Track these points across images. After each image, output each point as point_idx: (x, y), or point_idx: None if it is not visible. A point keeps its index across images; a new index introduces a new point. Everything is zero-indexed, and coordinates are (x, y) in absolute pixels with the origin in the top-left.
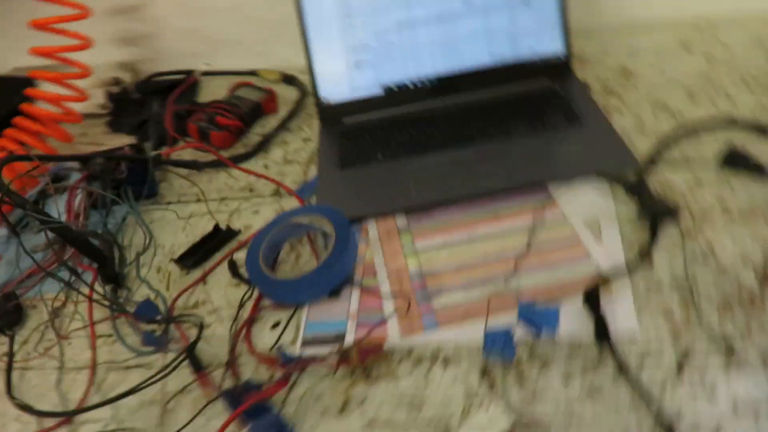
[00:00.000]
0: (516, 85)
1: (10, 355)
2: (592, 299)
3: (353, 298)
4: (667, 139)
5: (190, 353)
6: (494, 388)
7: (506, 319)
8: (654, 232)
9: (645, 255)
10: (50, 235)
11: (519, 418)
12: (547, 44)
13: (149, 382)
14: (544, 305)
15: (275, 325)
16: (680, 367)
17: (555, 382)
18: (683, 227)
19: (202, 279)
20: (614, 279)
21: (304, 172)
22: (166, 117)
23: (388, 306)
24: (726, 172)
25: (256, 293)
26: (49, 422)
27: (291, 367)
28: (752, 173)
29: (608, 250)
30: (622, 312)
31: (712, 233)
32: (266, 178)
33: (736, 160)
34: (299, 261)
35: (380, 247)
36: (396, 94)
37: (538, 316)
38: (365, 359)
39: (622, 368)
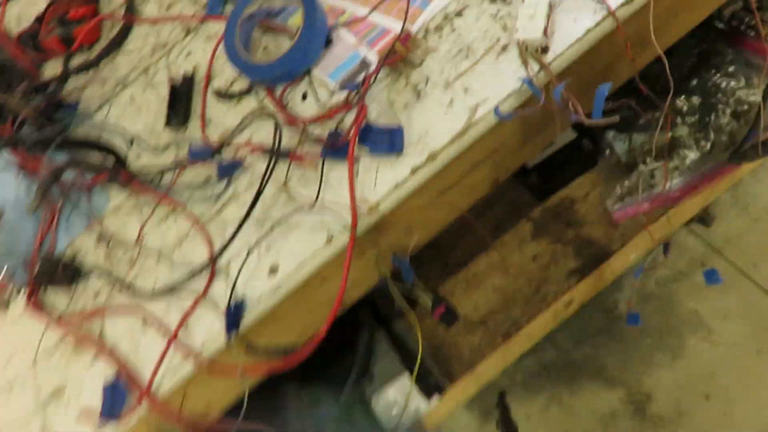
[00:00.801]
0: None
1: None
2: None
3: (345, 35)
4: None
5: (270, 150)
6: None
7: None
8: None
9: None
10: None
11: None
12: None
13: (259, 192)
14: None
15: (304, 97)
16: None
17: None
18: None
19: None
20: None
21: (195, 0)
22: (15, 57)
23: (379, 17)
24: None
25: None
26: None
27: (358, 90)
28: None
29: None
30: None
31: None
32: (168, 19)
33: None
34: (269, 45)
35: None
36: None
37: None
38: (407, 45)
39: None
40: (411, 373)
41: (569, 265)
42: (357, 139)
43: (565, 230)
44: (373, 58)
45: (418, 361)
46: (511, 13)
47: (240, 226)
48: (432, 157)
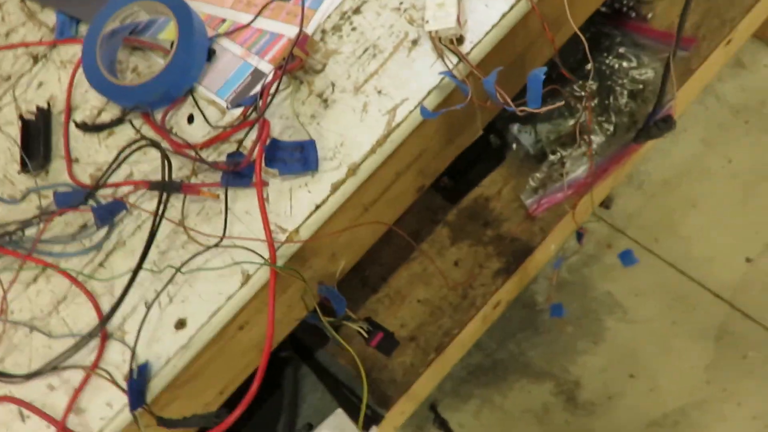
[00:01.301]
0: None
1: None
2: None
3: (229, 46)
4: None
5: (158, 184)
6: None
7: None
8: None
9: None
10: None
11: None
12: None
13: (152, 236)
14: None
15: (190, 120)
16: None
17: None
18: None
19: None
20: None
21: (41, 24)
22: None
23: (265, 23)
24: None
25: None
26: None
27: (256, 104)
28: None
29: None
30: None
31: None
32: (9, 48)
33: None
34: (139, 65)
35: (197, 2)
36: None
37: None
38: (305, 49)
39: None
40: (343, 406)
41: (493, 266)
42: (263, 160)
43: (484, 230)
44: (267, 67)
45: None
46: (415, 5)
47: (132, 278)
48: (353, 169)
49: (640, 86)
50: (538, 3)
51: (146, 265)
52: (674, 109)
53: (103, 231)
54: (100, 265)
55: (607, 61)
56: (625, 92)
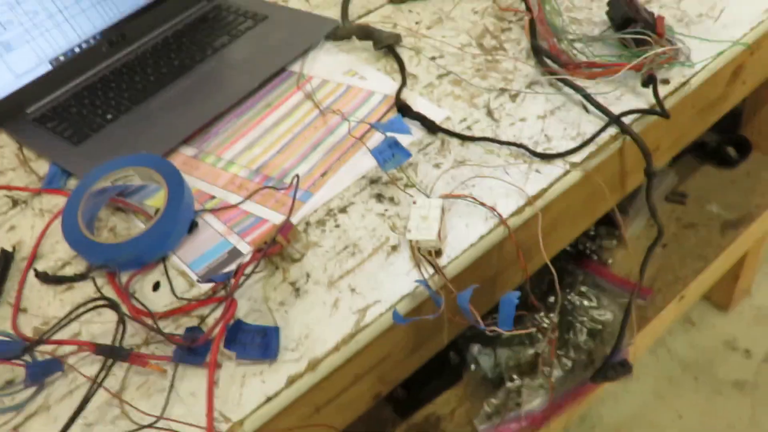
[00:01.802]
0: (182, 11)
1: None
2: (404, 110)
3: (212, 222)
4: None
5: (105, 348)
6: (406, 188)
7: (361, 155)
8: (396, 55)
9: (403, 71)
10: None
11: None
12: None
13: (83, 405)
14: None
15: (156, 287)
16: (489, 113)
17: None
18: (410, 43)
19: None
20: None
21: (32, 172)
22: None
23: (253, 207)
24: (396, 2)
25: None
26: None
27: (227, 282)
28: None
29: (379, 82)
30: (428, 108)
31: (430, 37)
32: None
33: None
34: (117, 226)
35: (193, 175)
36: (70, 63)
37: (393, 125)
38: (287, 237)
39: (463, 137)
40: None
41: None
42: (223, 340)
43: None
44: (246, 248)
45: None
46: (399, 214)
47: None
48: (312, 365)
49: (599, 326)
50: (515, 231)
51: None
52: (630, 354)
53: (31, 390)
54: (14, 429)
55: (570, 298)
56: (585, 330)
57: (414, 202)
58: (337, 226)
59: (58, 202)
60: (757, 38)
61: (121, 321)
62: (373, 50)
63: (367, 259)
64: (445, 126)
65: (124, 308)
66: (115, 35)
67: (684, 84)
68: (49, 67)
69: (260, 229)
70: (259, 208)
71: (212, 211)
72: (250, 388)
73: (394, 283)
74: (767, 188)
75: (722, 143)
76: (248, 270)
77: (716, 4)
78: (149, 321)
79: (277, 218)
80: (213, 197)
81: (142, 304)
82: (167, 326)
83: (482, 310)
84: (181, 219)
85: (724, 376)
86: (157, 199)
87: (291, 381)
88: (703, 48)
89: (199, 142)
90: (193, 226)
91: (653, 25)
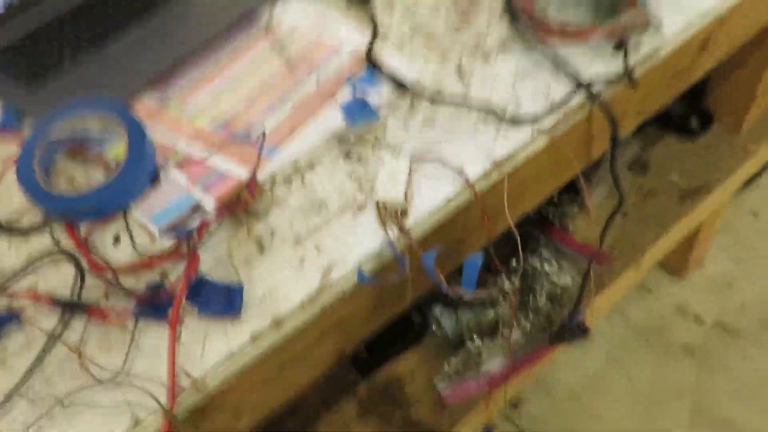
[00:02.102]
0: None
1: None
2: (374, 66)
3: (176, 175)
4: None
5: (63, 302)
6: (374, 147)
7: (330, 111)
8: (368, 7)
9: (375, 25)
10: None
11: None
12: None
13: (40, 358)
14: (356, 77)
15: (116, 240)
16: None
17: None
18: None
19: None
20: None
21: None
22: None
23: (218, 161)
24: None
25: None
26: None
27: (191, 238)
28: None
29: (350, 34)
30: (399, 65)
31: None
32: None
33: None
34: (77, 175)
35: (156, 126)
36: (25, 1)
37: (363, 82)
38: (253, 193)
39: (435, 99)
40: None
41: None
42: (185, 295)
43: (393, 411)
44: (209, 203)
45: None
46: (366, 174)
47: (3, 402)
48: (277, 323)
49: (559, 291)
50: (481, 195)
51: (23, 390)
52: (587, 318)
53: None
54: None
55: (531, 262)
56: (545, 294)
57: (382, 162)
58: (304, 184)
59: (12, 149)
60: (727, 10)
61: (80, 274)
62: (346, 0)
63: (334, 218)
64: (415, 85)
65: (83, 261)
66: None
67: (654, 52)
68: (1, 9)
69: (225, 183)
70: (224, 162)
71: (176, 164)
72: (213, 344)
73: (360, 243)
74: (726, 161)
75: (685, 114)
76: (212, 226)
77: None
78: (109, 275)
79: (243, 173)
80: (176, 150)
81: (102, 258)
82: (128, 281)
83: (446, 272)
84: (142, 171)
85: (674, 341)
86: (117, 149)
87: (254, 338)
88: (674, 17)
89: (162, 91)
90: (155, 179)
91: None
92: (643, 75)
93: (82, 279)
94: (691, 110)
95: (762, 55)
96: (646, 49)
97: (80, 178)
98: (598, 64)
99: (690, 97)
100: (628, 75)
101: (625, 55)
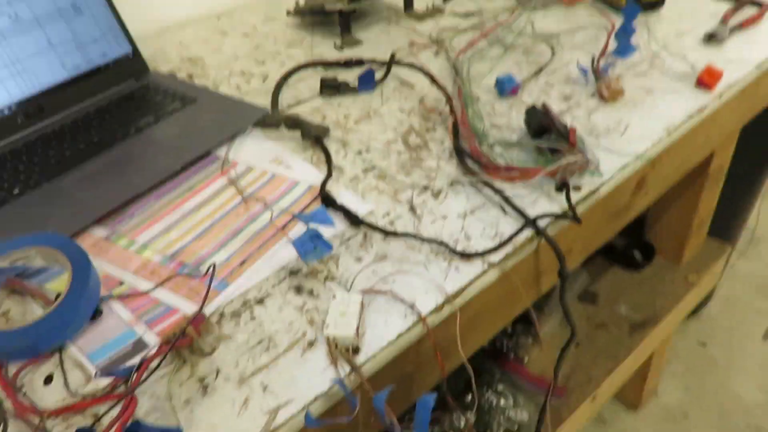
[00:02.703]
0: (107, 88)
1: None
2: (328, 202)
3: (119, 309)
4: (277, 87)
5: None
6: (326, 281)
7: (282, 245)
8: (323, 147)
9: (329, 163)
10: None
11: (366, 285)
12: (116, 48)
13: None
14: (310, 212)
15: (48, 380)
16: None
17: (351, 259)
18: (338, 136)
19: None
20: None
21: None
22: None
23: (164, 294)
24: (327, 95)
25: None
26: None
27: (129, 378)
28: (344, 92)
29: (305, 172)
30: (352, 200)
31: (358, 131)
32: None
33: (329, 86)
34: (12, 309)
35: (103, 258)
36: None
37: (316, 217)
38: (199, 328)
39: (387, 233)
40: None
41: None
42: None
43: None
44: (152, 340)
45: None
46: (318, 307)
47: None
48: None
49: (516, 427)
50: (433, 329)
51: None
52: None
53: None
54: None
55: (487, 396)
56: (502, 430)
57: (333, 297)
58: (253, 318)
59: None
60: (658, 154)
61: (3, 420)
62: (301, 140)
63: (282, 355)
64: (368, 220)
65: (9, 404)
66: (32, 107)
67: (594, 192)
68: None
69: (170, 318)
70: (170, 296)
71: (120, 297)
72: None
73: (309, 382)
74: (670, 291)
75: (629, 247)
76: (153, 364)
77: (622, 120)
78: (36, 420)
79: (190, 308)
80: (122, 283)
81: (30, 400)
82: (56, 425)
83: (399, 410)
84: (83, 305)
85: None
86: (59, 283)
87: None
88: (610, 159)
89: (112, 223)
90: (96, 314)
91: (566, 135)
92: (585, 212)
93: (5, 425)
94: (634, 243)
95: (694, 192)
96: (586, 188)
97: (15, 312)
98: (543, 202)
99: (632, 231)
100: (571, 212)
101: (568, 194)
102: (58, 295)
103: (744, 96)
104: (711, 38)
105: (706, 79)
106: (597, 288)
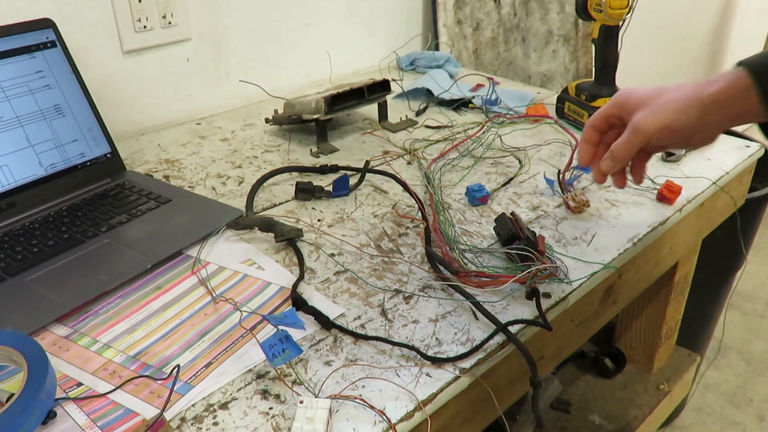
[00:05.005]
0: (82, 186)
1: None
2: (299, 304)
3: (74, 412)
4: (253, 189)
5: None
6: (293, 385)
7: (250, 347)
8: (295, 249)
9: (301, 265)
10: None
11: (335, 391)
12: (95, 148)
13: None
14: (280, 314)
15: None
16: (383, 313)
17: (320, 363)
18: (310, 239)
19: None
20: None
21: None
22: None
23: (123, 397)
24: (301, 199)
25: None
26: None
27: None
28: (319, 196)
29: (277, 273)
30: (324, 303)
31: (331, 234)
32: None
33: (304, 190)
34: None
35: (60, 359)
36: None
37: (286, 319)
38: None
39: (357, 335)
40: None
41: None
42: None
43: None
44: None
45: None
46: (284, 413)
47: None
48: None
49: None
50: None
51: None
52: None
53: None
54: None
55: None
56: None
57: (301, 402)
58: (216, 423)
59: None
60: (624, 263)
61: None
62: (274, 242)
63: None
64: (339, 322)
65: None
66: (4, 203)
67: (563, 299)
68: None
69: (129, 423)
70: (130, 398)
71: (76, 399)
72: None
73: None
74: (642, 400)
75: (599, 354)
76: None
77: (589, 230)
78: None
79: (150, 412)
80: (80, 384)
81: None
82: None
83: None
84: (36, 408)
85: None
86: (13, 384)
87: None
88: (578, 267)
89: (75, 321)
90: (49, 417)
91: (535, 243)
92: (555, 319)
93: None
94: (604, 350)
95: (661, 301)
96: (556, 295)
97: None
98: (514, 308)
99: (602, 338)
100: (542, 319)
101: (538, 301)
102: (10, 396)
103: (702, 210)
104: (670, 155)
105: (666, 194)
106: (569, 395)
